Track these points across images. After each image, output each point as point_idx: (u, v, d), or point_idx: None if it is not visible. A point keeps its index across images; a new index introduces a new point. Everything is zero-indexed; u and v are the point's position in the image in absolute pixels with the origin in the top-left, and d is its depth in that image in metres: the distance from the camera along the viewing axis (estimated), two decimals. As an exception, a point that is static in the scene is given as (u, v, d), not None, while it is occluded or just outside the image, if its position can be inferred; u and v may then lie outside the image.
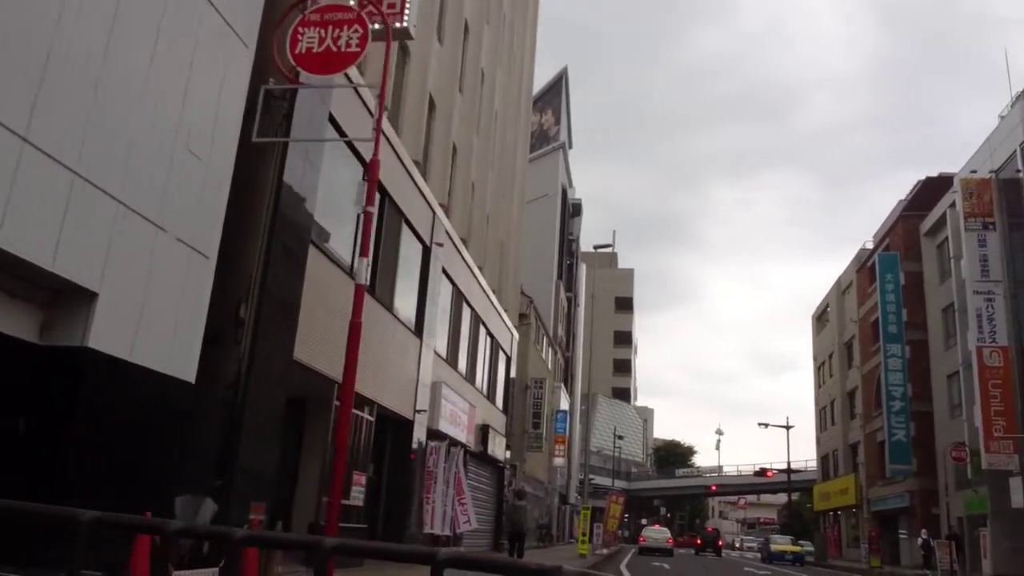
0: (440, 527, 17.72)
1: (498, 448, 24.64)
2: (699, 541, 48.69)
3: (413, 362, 16.08)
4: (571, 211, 51.17)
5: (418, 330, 16.39)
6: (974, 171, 30.87)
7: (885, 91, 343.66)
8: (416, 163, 15.80)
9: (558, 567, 2.36)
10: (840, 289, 51.99)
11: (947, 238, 36.74)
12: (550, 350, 38.33)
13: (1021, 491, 26.82)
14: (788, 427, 55.29)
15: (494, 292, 24.81)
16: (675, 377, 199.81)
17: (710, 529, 51.08)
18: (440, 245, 17.30)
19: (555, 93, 49.06)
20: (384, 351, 14.25)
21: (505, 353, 26.72)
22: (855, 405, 48.70)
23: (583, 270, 57.80)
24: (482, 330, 23.02)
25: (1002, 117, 30.79)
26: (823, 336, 56.43)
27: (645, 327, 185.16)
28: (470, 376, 21.65)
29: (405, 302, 15.97)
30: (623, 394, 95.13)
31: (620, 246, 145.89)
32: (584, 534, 25.61)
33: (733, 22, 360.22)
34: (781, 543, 36.28)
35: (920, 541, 35.94)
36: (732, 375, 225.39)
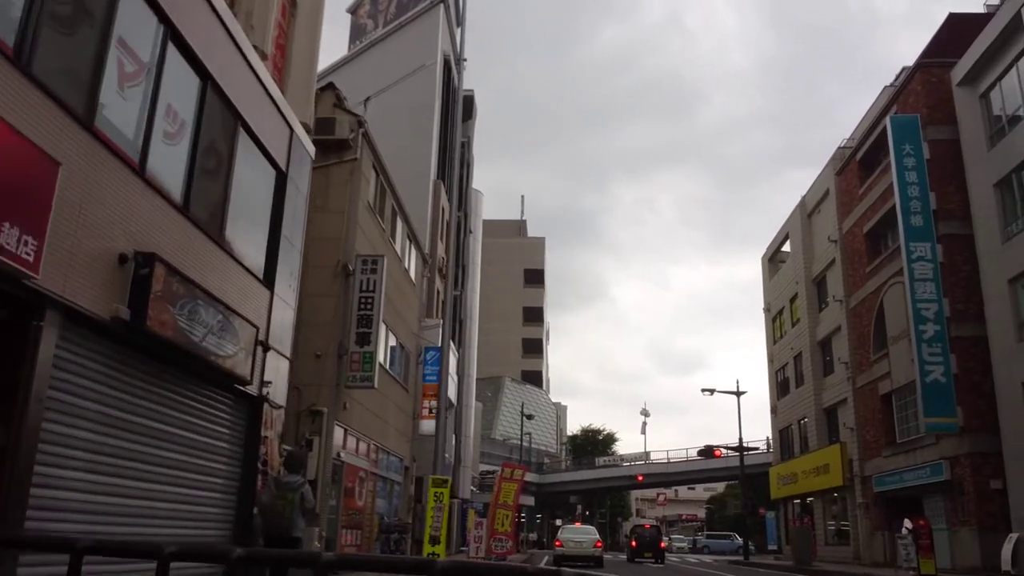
0: None
1: (233, 345, 10.02)
2: (635, 543, 34.69)
3: None
4: (455, 98, 36.76)
5: None
6: None
7: (778, 89, 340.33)
8: None
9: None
10: (806, 211, 39.08)
11: (999, 79, 23.95)
12: (411, 247, 23.66)
13: None
14: (739, 392, 42.13)
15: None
16: (585, 377, 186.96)
17: (648, 526, 37.12)
18: None
19: (432, -80, 34.84)
20: None
21: (272, 162, 12.09)
22: (832, 355, 35.78)
23: (481, 198, 43.60)
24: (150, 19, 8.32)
25: None
26: (779, 278, 43.51)
27: (553, 327, 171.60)
28: (67, 95, 6.93)
29: None
30: (534, 378, 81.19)
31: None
32: (434, 531, 11.11)
33: (633, 17, 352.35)
34: None
35: (904, 531, 23.44)
36: (641, 375, 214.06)
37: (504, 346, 79.42)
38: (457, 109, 27.86)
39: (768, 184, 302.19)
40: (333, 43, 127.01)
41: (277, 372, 12.42)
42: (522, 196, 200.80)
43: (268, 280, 12.10)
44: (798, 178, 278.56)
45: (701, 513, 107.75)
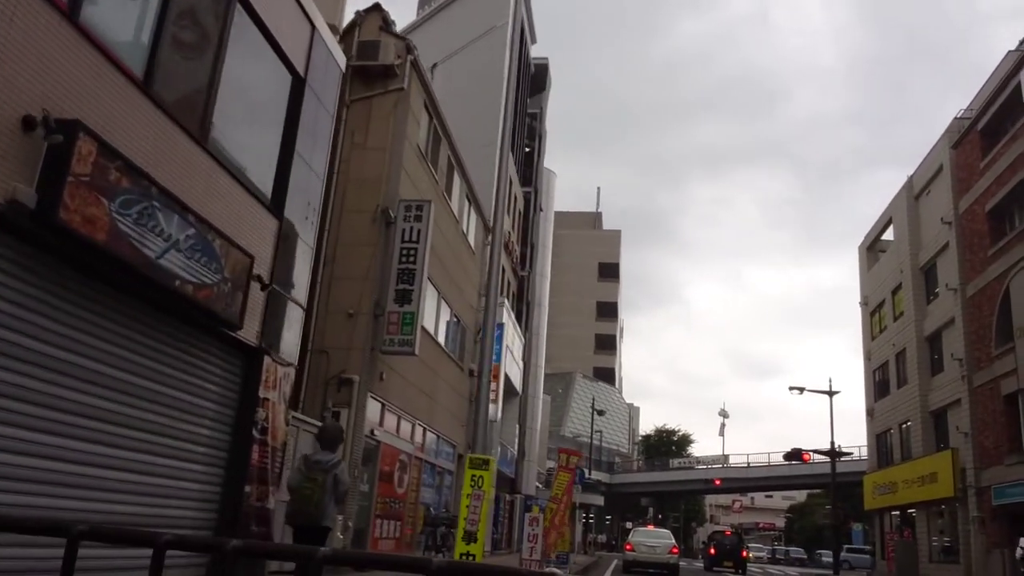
0: None
1: (213, 274, 7.70)
2: (713, 550, 31.50)
3: None
4: (530, 70, 34.28)
5: None
6: None
7: (865, 87, 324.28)
8: None
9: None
10: (913, 192, 35.14)
11: None
12: (471, 210, 21.14)
13: None
14: (831, 392, 38.42)
15: None
16: (657, 379, 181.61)
17: (729, 533, 33.84)
18: None
19: None
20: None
21: (285, 61, 9.74)
22: (942, 352, 31.85)
23: (553, 178, 40.97)
24: None
25: None
26: (880, 268, 39.51)
27: (626, 328, 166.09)
28: None
29: None
30: (607, 375, 78.09)
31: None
32: (470, 526, 8.56)
33: (715, 10, 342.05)
34: None
35: (1020, 550, 19.97)
36: (715, 379, 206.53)
37: (576, 341, 76.67)
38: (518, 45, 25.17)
39: (854, 185, 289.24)
40: (401, 11, 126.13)
41: (286, 321, 10.07)
42: (598, 188, 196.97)
43: (276, 206, 9.75)
44: (886, 178, 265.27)
45: (779, 522, 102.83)
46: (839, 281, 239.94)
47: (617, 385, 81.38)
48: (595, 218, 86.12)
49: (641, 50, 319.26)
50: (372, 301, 13.45)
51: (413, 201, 14.08)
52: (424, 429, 17.26)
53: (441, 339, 18.36)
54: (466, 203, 20.59)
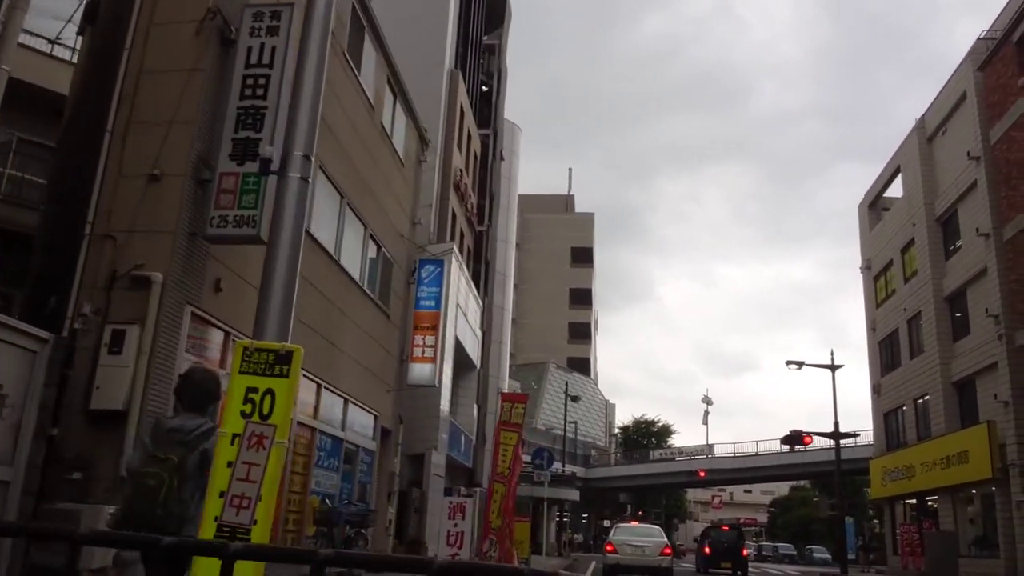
0: None
1: None
2: (708, 549, 26.43)
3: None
4: (486, -7, 29.08)
5: None
6: None
7: (831, 79, 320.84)
8: None
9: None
10: (925, 135, 30.43)
11: None
12: (397, 104, 15.85)
13: None
14: (834, 367, 33.56)
15: None
16: (630, 377, 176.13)
17: (726, 528, 28.73)
18: None
19: None
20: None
21: None
22: (967, 312, 27.12)
23: (517, 132, 35.82)
24: None
25: None
26: (886, 225, 34.77)
27: (600, 325, 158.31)
28: None
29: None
30: (582, 365, 73.11)
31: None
32: (235, 508, 3.30)
33: (680, 4, 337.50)
34: None
35: None
36: (688, 376, 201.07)
37: (549, 331, 71.79)
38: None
39: (820, 179, 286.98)
40: None
41: None
42: (569, 169, 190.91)
43: None
44: (852, 172, 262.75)
45: (761, 517, 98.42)
46: (805, 276, 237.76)
47: (592, 376, 76.42)
48: (567, 201, 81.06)
49: (605, 46, 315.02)
50: (192, 157, 8.15)
51: (265, 5, 8.76)
52: (320, 387, 11.94)
53: (351, 267, 13.11)
54: (390, 94, 15.31)
